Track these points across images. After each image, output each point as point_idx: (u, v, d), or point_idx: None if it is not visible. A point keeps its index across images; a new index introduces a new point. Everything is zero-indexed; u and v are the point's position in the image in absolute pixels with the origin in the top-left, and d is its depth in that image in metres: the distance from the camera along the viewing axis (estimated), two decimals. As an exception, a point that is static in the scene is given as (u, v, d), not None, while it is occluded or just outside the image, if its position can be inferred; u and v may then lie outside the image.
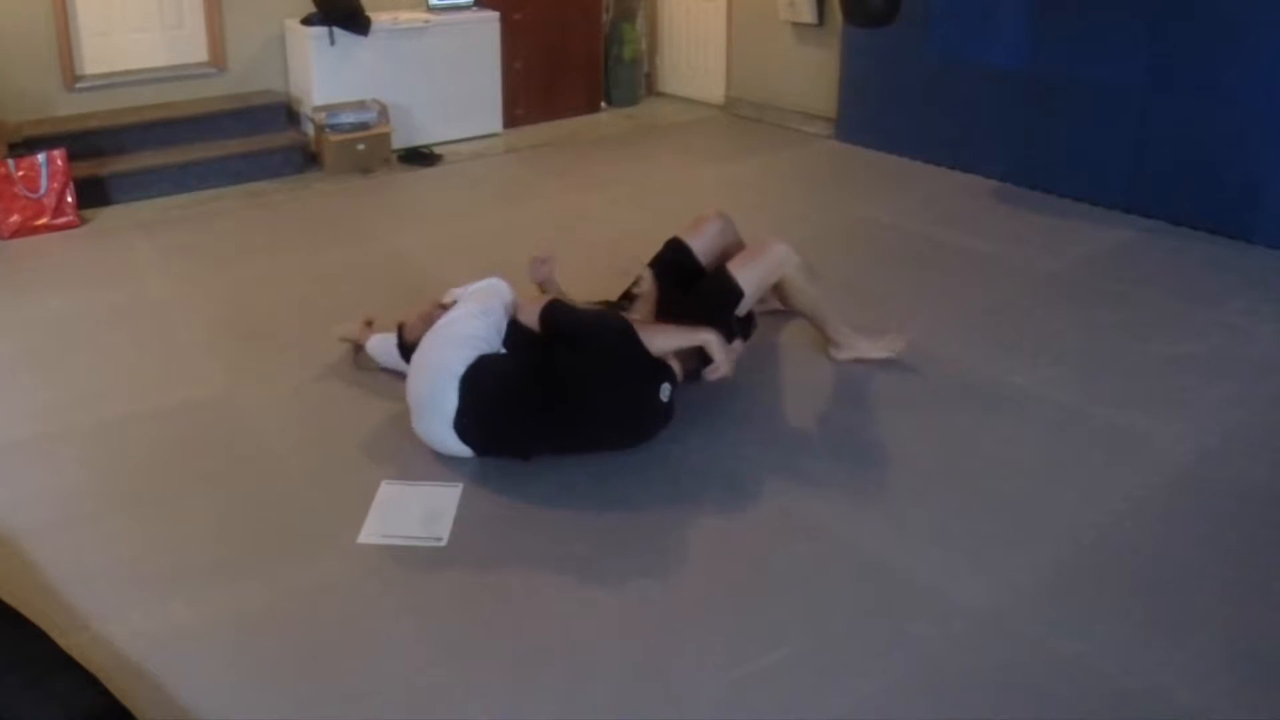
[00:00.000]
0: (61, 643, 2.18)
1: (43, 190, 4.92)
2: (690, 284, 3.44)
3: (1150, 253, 4.59)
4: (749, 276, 3.30)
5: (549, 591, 2.52)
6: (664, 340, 3.01)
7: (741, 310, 3.33)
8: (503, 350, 3.05)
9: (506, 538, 2.72)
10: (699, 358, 3.08)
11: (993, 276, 4.35)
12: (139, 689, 2.18)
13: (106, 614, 2.41)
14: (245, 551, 2.65)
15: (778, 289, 3.45)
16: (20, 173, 4.87)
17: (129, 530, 2.74)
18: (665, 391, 2.93)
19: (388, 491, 2.88)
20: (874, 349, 3.58)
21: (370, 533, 2.71)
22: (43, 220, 4.92)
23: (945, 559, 2.62)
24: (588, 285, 4.13)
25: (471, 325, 3.02)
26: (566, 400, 2.88)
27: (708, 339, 3.00)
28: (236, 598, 2.48)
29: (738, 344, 3.29)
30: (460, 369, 2.92)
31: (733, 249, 3.59)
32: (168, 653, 2.30)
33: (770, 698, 2.18)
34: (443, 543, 2.68)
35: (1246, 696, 2.18)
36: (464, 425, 2.92)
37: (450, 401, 2.91)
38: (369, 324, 3.59)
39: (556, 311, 3.03)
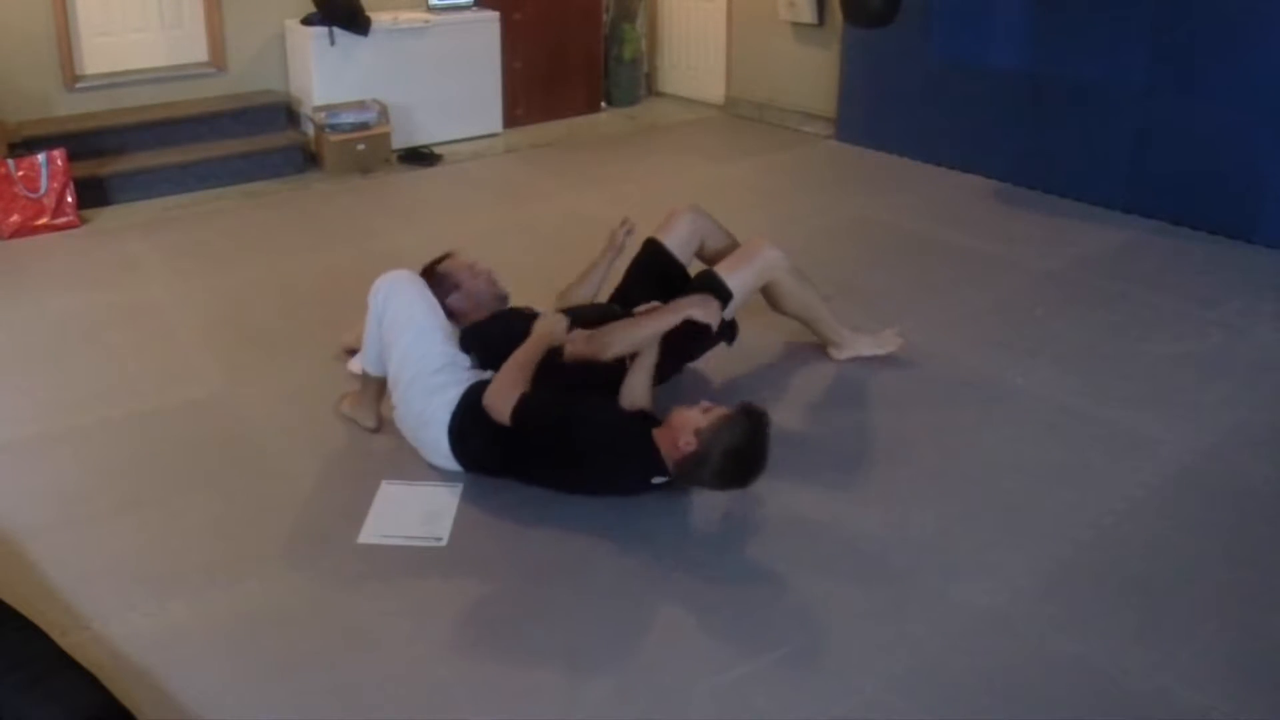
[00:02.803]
0: (61, 643, 2.18)
1: (43, 190, 4.91)
2: (673, 283, 3.41)
3: (1150, 253, 4.59)
4: (737, 278, 3.28)
5: (548, 591, 2.52)
6: (641, 333, 2.94)
7: (729, 313, 3.30)
8: (483, 374, 2.94)
9: (506, 538, 2.72)
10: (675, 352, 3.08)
11: (993, 276, 4.35)
12: (139, 689, 2.18)
13: (106, 614, 2.41)
14: (245, 551, 2.65)
15: (768, 294, 3.43)
16: (20, 173, 4.87)
17: (129, 530, 2.74)
18: (657, 481, 2.74)
19: (388, 491, 2.88)
20: (873, 346, 3.58)
21: (370, 533, 2.71)
22: (43, 220, 4.92)
23: (945, 559, 2.62)
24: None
25: (432, 361, 2.89)
26: (559, 468, 2.82)
27: (687, 311, 2.90)
28: (236, 598, 2.48)
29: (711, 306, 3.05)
30: (445, 417, 2.85)
31: (711, 239, 3.55)
32: (168, 653, 2.30)
33: (770, 698, 2.18)
34: (443, 543, 2.68)
35: (1246, 696, 2.18)
36: (459, 456, 2.90)
37: (443, 444, 2.88)
38: None
39: (533, 414, 2.71)
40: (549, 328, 2.89)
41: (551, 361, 2.90)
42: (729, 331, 3.40)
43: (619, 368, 2.99)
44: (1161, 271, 4.37)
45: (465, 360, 2.97)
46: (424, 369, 2.90)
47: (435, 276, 3.15)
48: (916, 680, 2.23)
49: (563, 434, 2.73)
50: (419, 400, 2.90)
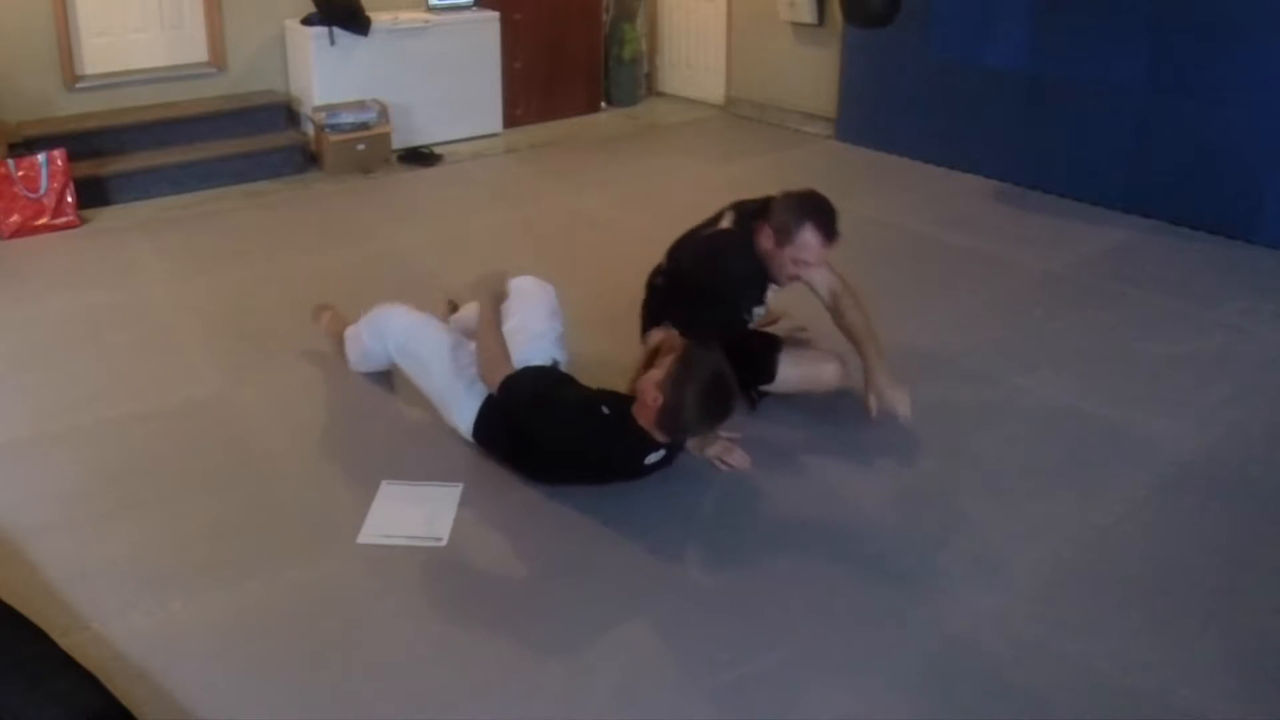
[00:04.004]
0: (61, 643, 2.18)
1: (43, 190, 4.91)
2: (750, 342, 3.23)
3: (1150, 253, 4.59)
4: (790, 375, 3.16)
5: (549, 591, 2.52)
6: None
7: (771, 386, 3.21)
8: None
9: (506, 538, 2.72)
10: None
11: (993, 276, 4.35)
12: (139, 689, 2.18)
13: (106, 614, 2.41)
14: (245, 551, 2.65)
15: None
16: (20, 173, 4.87)
17: (129, 530, 2.74)
18: (653, 459, 2.78)
19: (388, 491, 2.88)
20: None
21: (370, 533, 2.71)
22: (43, 220, 4.91)
23: (945, 559, 2.62)
24: (587, 288, 4.14)
25: (453, 382, 2.99)
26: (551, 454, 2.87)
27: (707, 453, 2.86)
28: (236, 598, 2.48)
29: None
30: (477, 405, 2.94)
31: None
32: (168, 653, 2.30)
33: (770, 698, 2.18)
34: (443, 543, 2.68)
35: (1246, 696, 2.18)
36: (478, 435, 2.98)
37: (468, 420, 2.98)
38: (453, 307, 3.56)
39: (515, 392, 2.79)
40: (492, 284, 3.03)
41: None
42: (756, 397, 3.26)
43: None
44: (1161, 271, 4.37)
45: (468, 358, 3.02)
46: (451, 380, 3.00)
47: (795, 210, 2.89)
48: (917, 680, 2.23)
49: (540, 417, 2.77)
50: (456, 408, 3.01)
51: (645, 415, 2.65)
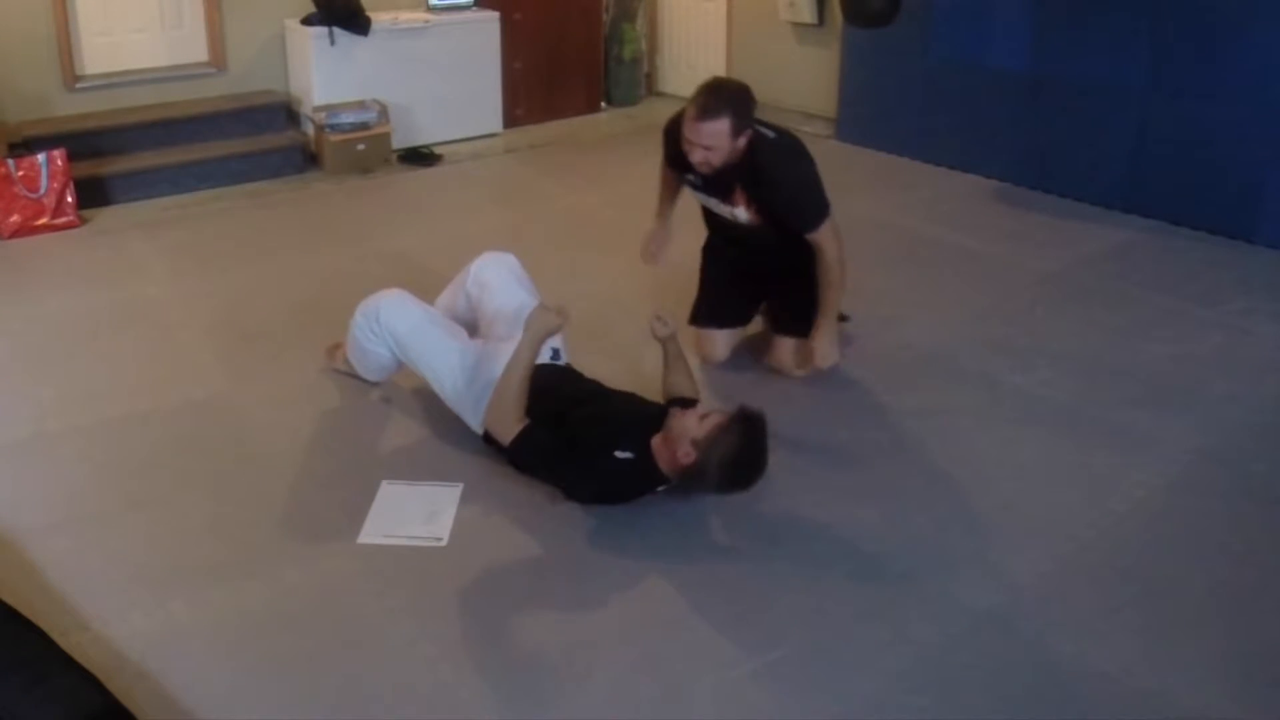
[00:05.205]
0: (61, 643, 2.18)
1: (43, 190, 4.91)
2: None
3: (1150, 253, 4.59)
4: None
5: (549, 591, 2.52)
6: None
7: None
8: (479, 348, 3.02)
9: (506, 538, 2.72)
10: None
11: (993, 276, 4.35)
12: (139, 689, 2.18)
13: (106, 614, 2.41)
14: (245, 551, 2.65)
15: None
16: (20, 173, 4.87)
17: (129, 530, 2.74)
18: (660, 489, 2.78)
19: (388, 491, 2.88)
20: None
21: (370, 533, 2.71)
22: (43, 220, 4.91)
23: (945, 559, 2.62)
24: (587, 288, 4.14)
25: (461, 380, 2.98)
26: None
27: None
28: (236, 598, 2.48)
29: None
30: (482, 428, 2.94)
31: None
32: (168, 653, 2.30)
33: (770, 697, 2.18)
34: (443, 543, 2.68)
35: (1246, 696, 2.18)
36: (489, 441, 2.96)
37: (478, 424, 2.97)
38: None
39: (528, 452, 2.79)
40: (545, 325, 2.79)
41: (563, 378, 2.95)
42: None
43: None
44: (1161, 271, 4.37)
45: (474, 358, 3.02)
46: (462, 393, 2.99)
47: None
48: (916, 680, 2.23)
49: (558, 476, 2.79)
50: (467, 406, 3.00)
51: (669, 463, 2.65)
